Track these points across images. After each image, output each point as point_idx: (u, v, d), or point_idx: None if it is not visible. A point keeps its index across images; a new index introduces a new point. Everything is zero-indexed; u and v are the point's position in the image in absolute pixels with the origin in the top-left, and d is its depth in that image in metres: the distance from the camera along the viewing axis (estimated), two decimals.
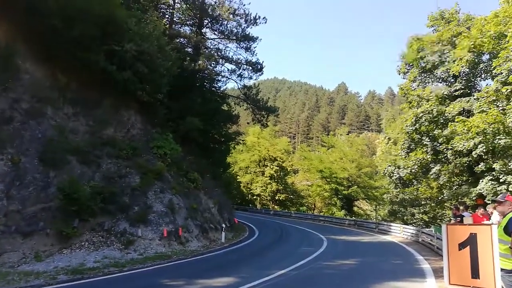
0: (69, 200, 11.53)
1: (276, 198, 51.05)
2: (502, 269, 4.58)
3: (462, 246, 4.51)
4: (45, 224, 11.04)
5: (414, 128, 23.59)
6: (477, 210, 11.76)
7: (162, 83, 16.88)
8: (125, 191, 14.09)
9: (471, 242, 4.45)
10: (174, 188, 16.36)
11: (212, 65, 26.08)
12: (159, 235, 13.80)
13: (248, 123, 39.74)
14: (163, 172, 16.36)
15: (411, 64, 25.24)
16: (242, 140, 34.87)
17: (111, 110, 15.72)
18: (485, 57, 21.94)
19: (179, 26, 25.46)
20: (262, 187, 50.49)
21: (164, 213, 14.71)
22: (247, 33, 26.04)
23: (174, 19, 25.02)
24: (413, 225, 26.45)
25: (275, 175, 51.07)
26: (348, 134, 65.48)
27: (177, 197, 16.19)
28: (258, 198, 51.95)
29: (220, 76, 26.98)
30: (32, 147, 11.56)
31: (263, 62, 26.90)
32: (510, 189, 17.73)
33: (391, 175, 26.61)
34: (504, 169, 19.03)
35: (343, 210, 44.89)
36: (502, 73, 18.36)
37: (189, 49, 24.77)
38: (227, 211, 23.08)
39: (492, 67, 19.40)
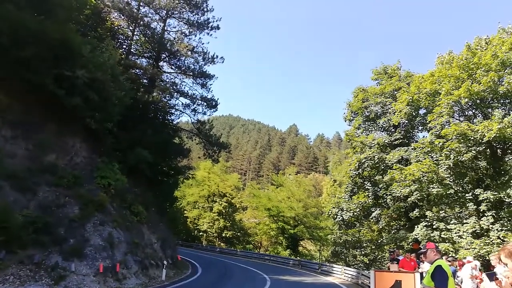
0: None
1: (223, 235, 50.14)
2: None
3: None
4: None
5: (357, 173, 24.85)
6: (406, 255, 12.54)
7: (113, 112, 16.46)
8: (61, 222, 13.23)
9: None
10: (116, 221, 15.63)
11: (167, 98, 26.03)
12: (95, 270, 12.98)
13: (199, 157, 39.48)
14: (105, 204, 15.62)
15: (356, 112, 26.98)
16: (192, 175, 34.40)
17: (54, 136, 15.03)
18: (422, 111, 24.00)
19: (136, 57, 25.33)
20: (209, 223, 49.51)
21: (102, 247, 13.94)
22: (204, 70, 26.48)
23: (132, 50, 24.93)
24: (354, 267, 27.09)
25: (224, 211, 50.43)
26: (297, 174, 67.07)
27: (118, 230, 15.47)
28: (205, 234, 50.69)
29: (174, 109, 26.91)
30: None
31: (218, 99, 27.40)
32: (442, 235, 18.94)
33: (335, 217, 27.47)
34: (436, 216, 20.44)
35: (288, 250, 45.00)
36: (436, 127, 20.06)
37: (145, 81, 24.60)
38: (171, 247, 22.29)
39: (428, 121, 21.19)
